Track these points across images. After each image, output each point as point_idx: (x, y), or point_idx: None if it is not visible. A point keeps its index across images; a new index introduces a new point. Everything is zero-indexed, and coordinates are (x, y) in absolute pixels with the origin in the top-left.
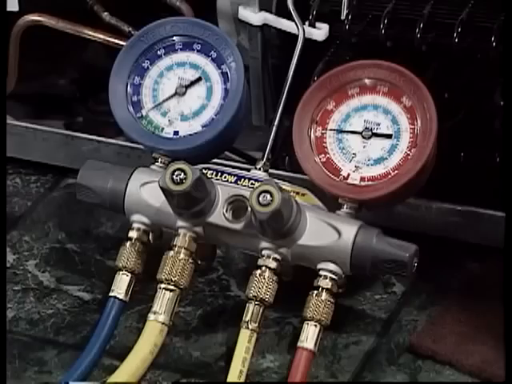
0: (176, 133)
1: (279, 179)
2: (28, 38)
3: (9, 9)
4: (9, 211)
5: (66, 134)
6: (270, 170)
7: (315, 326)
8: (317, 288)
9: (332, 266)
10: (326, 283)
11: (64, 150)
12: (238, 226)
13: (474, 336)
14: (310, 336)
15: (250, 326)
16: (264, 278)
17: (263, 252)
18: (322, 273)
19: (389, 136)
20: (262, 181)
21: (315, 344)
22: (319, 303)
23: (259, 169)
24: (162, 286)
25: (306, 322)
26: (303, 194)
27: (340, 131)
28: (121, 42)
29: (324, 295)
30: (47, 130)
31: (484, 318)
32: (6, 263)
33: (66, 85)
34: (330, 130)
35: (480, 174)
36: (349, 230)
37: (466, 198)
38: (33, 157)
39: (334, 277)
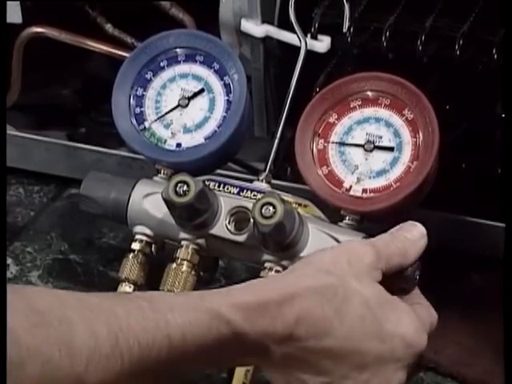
0: (179, 145)
1: (281, 190)
2: (31, 48)
3: (12, 20)
4: (12, 221)
5: (68, 145)
6: (273, 181)
7: None
8: None
9: None
10: None
11: (66, 161)
12: (241, 238)
13: (475, 347)
14: None
15: None
16: None
17: (265, 264)
18: None
19: (391, 149)
20: (264, 192)
21: None
22: None
23: (262, 180)
24: None
25: None
26: (305, 206)
27: (343, 144)
28: (124, 54)
29: None
30: (50, 141)
31: (486, 329)
32: (5, 271)
33: (69, 95)
34: (333, 143)
35: (481, 185)
36: None
37: (467, 208)
38: (35, 167)
39: None
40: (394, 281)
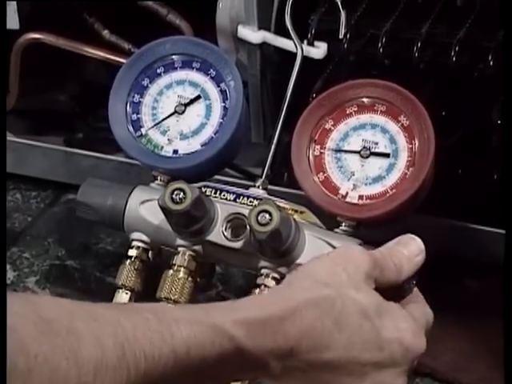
0: (175, 151)
1: (278, 196)
2: (28, 54)
3: (9, 27)
4: (9, 227)
5: (65, 151)
6: (269, 187)
7: None
8: None
9: None
10: None
11: (64, 166)
12: (237, 244)
13: (472, 353)
14: None
15: None
16: None
17: (262, 271)
18: None
19: (386, 155)
20: (261, 199)
21: None
22: None
23: (258, 187)
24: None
25: None
26: (302, 212)
27: (339, 151)
28: (121, 60)
29: None
30: (47, 146)
31: (482, 335)
32: (5, 277)
33: (66, 101)
34: (329, 149)
35: (478, 191)
36: None
37: (463, 214)
38: (33, 172)
39: None
40: (389, 291)
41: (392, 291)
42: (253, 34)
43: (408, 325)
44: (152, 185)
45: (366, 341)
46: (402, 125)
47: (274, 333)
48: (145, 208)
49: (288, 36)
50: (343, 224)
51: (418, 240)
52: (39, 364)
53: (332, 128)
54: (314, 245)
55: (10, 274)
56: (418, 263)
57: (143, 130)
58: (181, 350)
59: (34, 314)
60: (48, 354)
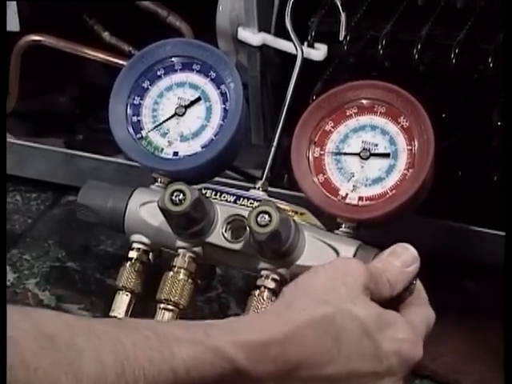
0: (175, 153)
1: (278, 198)
2: (29, 56)
3: (10, 29)
4: (9, 229)
5: (65, 152)
6: (269, 189)
7: None
8: None
9: None
10: None
11: (64, 168)
12: (237, 246)
13: (472, 355)
14: None
15: None
16: (263, 299)
17: (262, 272)
18: None
19: (386, 155)
20: (260, 200)
21: None
22: None
23: (258, 188)
24: (162, 305)
25: None
26: (302, 214)
27: (338, 153)
28: (121, 62)
29: None
30: (47, 148)
31: (481, 336)
32: (5, 279)
33: (66, 103)
34: (329, 153)
35: (477, 193)
36: (347, 250)
37: (463, 216)
38: (33, 174)
39: None
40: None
41: (390, 299)
42: (253, 36)
43: (406, 335)
44: (152, 187)
45: (365, 355)
46: (402, 126)
47: (275, 356)
48: (145, 210)
49: (288, 38)
50: (343, 225)
51: (412, 249)
52: (39, 378)
53: (332, 130)
54: (313, 246)
55: (11, 276)
56: (412, 273)
57: (143, 132)
58: (180, 370)
59: (34, 329)
60: (48, 369)
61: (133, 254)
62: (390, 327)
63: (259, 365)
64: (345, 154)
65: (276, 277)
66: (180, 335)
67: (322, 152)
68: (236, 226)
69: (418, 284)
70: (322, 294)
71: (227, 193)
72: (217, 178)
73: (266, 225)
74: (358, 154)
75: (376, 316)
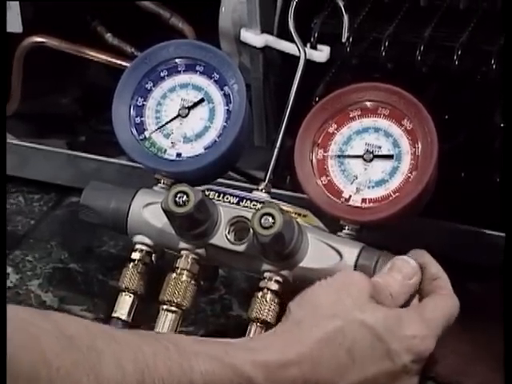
0: (179, 155)
1: (281, 200)
2: (31, 57)
3: (12, 30)
4: (12, 230)
5: (68, 154)
6: (272, 191)
7: None
8: None
9: None
10: None
11: (66, 169)
12: (240, 247)
13: (475, 356)
14: None
15: None
16: (266, 300)
17: (265, 274)
18: None
19: (390, 157)
20: (264, 202)
21: None
22: None
23: (261, 190)
24: (165, 307)
25: None
26: (305, 215)
27: (342, 156)
28: (124, 63)
29: None
30: (50, 150)
31: (485, 338)
32: (5, 279)
33: (69, 104)
34: (332, 157)
35: (480, 194)
36: (350, 253)
37: (466, 217)
38: (35, 175)
39: None
40: None
41: None
42: (255, 38)
43: (415, 331)
44: (155, 188)
45: (378, 358)
46: (405, 128)
47: (293, 377)
48: (148, 211)
49: (291, 39)
50: (346, 227)
51: (412, 262)
52: (61, 377)
53: (335, 132)
54: (317, 248)
55: (13, 277)
56: (413, 285)
57: (146, 133)
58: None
59: (56, 330)
60: (70, 369)
61: (136, 256)
62: (398, 326)
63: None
64: (348, 156)
65: (279, 279)
66: (199, 349)
67: (325, 154)
68: (239, 227)
69: (444, 275)
70: (329, 308)
71: (230, 194)
72: (220, 180)
73: (270, 227)
74: (362, 157)
75: (384, 318)
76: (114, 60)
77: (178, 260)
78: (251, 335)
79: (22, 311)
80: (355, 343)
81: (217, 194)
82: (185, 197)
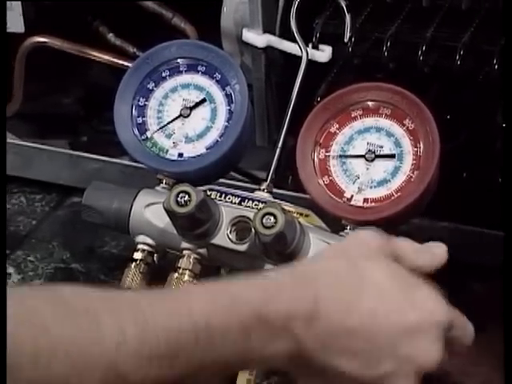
0: (180, 155)
1: (283, 200)
2: (33, 58)
3: (14, 30)
4: (14, 230)
5: (70, 154)
6: (274, 190)
7: None
8: None
9: None
10: None
11: (68, 169)
12: (242, 247)
13: (476, 356)
14: None
15: None
16: None
17: None
18: None
19: (392, 156)
20: (265, 202)
21: None
22: None
23: (263, 190)
24: None
25: None
26: (307, 215)
27: (343, 156)
28: (126, 63)
29: None
30: (52, 150)
31: (486, 338)
32: (5, 279)
33: (71, 104)
34: (334, 156)
35: (482, 194)
36: None
37: (468, 217)
38: (37, 176)
39: None
40: None
41: None
42: (257, 38)
43: (429, 291)
44: (157, 188)
45: (388, 307)
46: (407, 128)
47: (292, 298)
48: (150, 211)
49: (293, 39)
50: (348, 227)
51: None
52: (63, 343)
53: (337, 131)
54: (318, 248)
55: (15, 277)
56: (440, 255)
57: (148, 133)
58: (201, 324)
59: (52, 298)
60: (70, 334)
61: (137, 255)
62: (409, 286)
63: (277, 306)
64: (350, 156)
65: None
66: (195, 290)
67: (327, 154)
68: (241, 227)
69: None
70: (334, 253)
71: (232, 194)
72: (222, 180)
73: (272, 226)
74: (364, 156)
75: (393, 270)
76: (116, 60)
77: (180, 260)
78: None
79: (17, 288)
80: (361, 285)
81: (219, 194)
82: (186, 197)
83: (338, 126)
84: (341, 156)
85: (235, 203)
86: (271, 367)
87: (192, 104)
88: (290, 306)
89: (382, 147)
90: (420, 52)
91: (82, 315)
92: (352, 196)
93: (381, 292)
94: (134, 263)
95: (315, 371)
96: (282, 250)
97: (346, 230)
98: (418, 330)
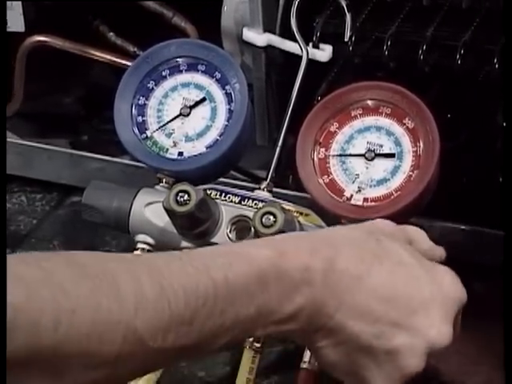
0: (180, 154)
1: (283, 199)
2: (34, 57)
3: (15, 29)
4: (14, 229)
5: (71, 153)
6: (274, 190)
7: None
8: None
9: None
10: None
11: (69, 169)
12: None
13: (477, 356)
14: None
15: (253, 347)
16: None
17: None
18: None
19: (391, 155)
20: (265, 201)
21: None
22: None
23: (263, 189)
24: None
25: None
26: (307, 215)
27: (343, 155)
28: (126, 62)
29: None
30: (52, 149)
31: (487, 337)
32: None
33: (72, 103)
34: (334, 156)
35: (483, 194)
36: None
37: (468, 217)
38: (38, 175)
39: None
40: None
41: None
42: (258, 37)
43: (446, 271)
44: (157, 187)
45: (407, 277)
46: (407, 127)
47: (310, 252)
48: (150, 210)
49: (293, 39)
50: None
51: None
52: (81, 304)
53: (337, 131)
54: None
55: None
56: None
57: (148, 133)
58: (219, 279)
59: (67, 261)
60: (88, 295)
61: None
62: (423, 266)
63: (295, 259)
64: (350, 155)
65: None
66: (209, 249)
67: (326, 153)
68: (241, 226)
69: None
70: (346, 231)
71: (232, 193)
72: (222, 179)
73: (271, 225)
74: (363, 155)
75: (411, 250)
76: (116, 59)
77: None
78: None
79: (28, 255)
80: (380, 253)
81: (218, 193)
82: (186, 196)
83: (337, 125)
84: (341, 155)
85: (235, 202)
86: (287, 335)
87: (192, 103)
88: (309, 258)
89: (381, 146)
90: (420, 51)
91: (99, 276)
92: (352, 195)
93: (401, 261)
94: None
95: (330, 334)
96: None
97: None
98: (434, 305)
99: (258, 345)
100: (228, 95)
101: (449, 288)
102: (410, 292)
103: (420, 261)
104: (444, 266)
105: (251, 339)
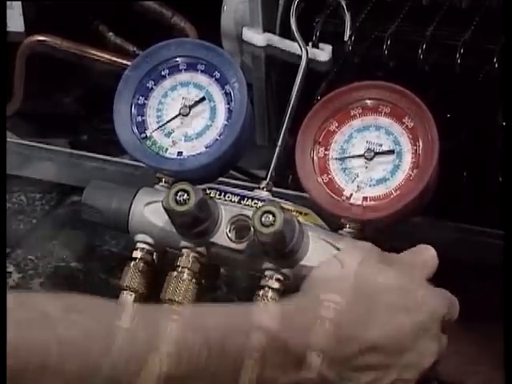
0: (180, 153)
1: (282, 198)
2: (33, 56)
3: (14, 29)
4: (14, 229)
5: (70, 153)
6: (274, 189)
7: None
8: None
9: None
10: None
11: (69, 168)
12: (241, 246)
13: (476, 356)
14: None
15: None
16: (267, 299)
17: (266, 272)
18: None
19: (391, 152)
20: (265, 200)
21: None
22: None
23: (263, 188)
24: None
25: None
26: (306, 214)
27: (343, 158)
28: (125, 62)
29: None
30: (52, 149)
31: (486, 337)
32: (5, 278)
33: (71, 103)
34: (333, 158)
35: (483, 194)
36: None
37: (468, 217)
38: (37, 174)
39: None
40: None
41: None
42: (257, 37)
43: (431, 290)
44: (156, 187)
45: (394, 306)
46: (407, 126)
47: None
48: (149, 210)
49: (293, 38)
50: (347, 226)
51: (431, 248)
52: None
53: (336, 130)
54: (318, 246)
55: (15, 276)
56: (432, 266)
57: (148, 132)
58: (216, 341)
59: (62, 306)
60: (81, 341)
61: (137, 254)
62: (409, 291)
63: (290, 332)
64: (349, 157)
65: (280, 277)
66: (209, 309)
67: (326, 152)
68: (240, 226)
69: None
70: (334, 272)
71: (231, 193)
72: (221, 178)
73: (270, 225)
74: (363, 155)
75: (397, 277)
76: (115, 59)
77: (179, 258)
78: None
79: (24, 296)
80: (371, 299)
81: (218, 193)
82: (185, 195)
83: (337, 124)
84: (340, 154)
85: (234, 202)
86: None
87: (191, 103)
88: (309, 330)
89: (381, 145)
90: (420, 50)
91: (94, 323)
92: (351, 194)
93: (387, 306)
94: (133, 262)
95: None
96: (280, 248)
97: (344, 229)
98: (420, 331)
99: None
100: (227, 95)
101: (433, 309)
102: (406, 321)
103: (401, 286)
104: (422, 284)
105: None
